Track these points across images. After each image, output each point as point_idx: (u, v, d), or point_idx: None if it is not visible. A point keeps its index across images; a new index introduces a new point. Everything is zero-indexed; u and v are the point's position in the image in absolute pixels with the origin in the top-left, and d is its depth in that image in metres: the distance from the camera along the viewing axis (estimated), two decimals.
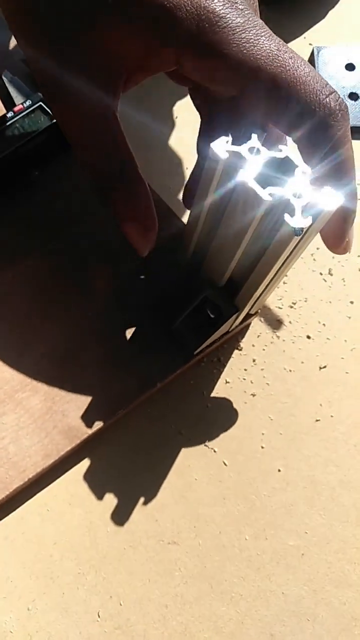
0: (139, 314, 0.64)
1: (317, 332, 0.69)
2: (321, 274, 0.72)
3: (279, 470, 0.62)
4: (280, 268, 0.50)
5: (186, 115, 0.82)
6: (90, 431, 0.58)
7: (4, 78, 0.75)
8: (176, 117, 0.82)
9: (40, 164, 0.70)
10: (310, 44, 0.89)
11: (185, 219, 0.72)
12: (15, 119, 0.70)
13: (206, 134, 0.58)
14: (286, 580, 0.57)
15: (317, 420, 0.64)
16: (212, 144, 0.46)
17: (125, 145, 0.51)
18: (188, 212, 0.74)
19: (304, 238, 0.46)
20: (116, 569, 0.57)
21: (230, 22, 0.44)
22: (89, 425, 0.59)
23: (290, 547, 0.58)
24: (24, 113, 0.71)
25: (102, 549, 0.57)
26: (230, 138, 0.47)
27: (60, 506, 0.58)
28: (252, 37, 0.45)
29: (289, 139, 0.49)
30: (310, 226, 0.44)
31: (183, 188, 0.65)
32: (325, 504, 0.60)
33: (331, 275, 0.72)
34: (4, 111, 0.70)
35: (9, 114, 0.69)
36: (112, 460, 0.61)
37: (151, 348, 0.63)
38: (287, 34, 0.89)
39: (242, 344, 0.67)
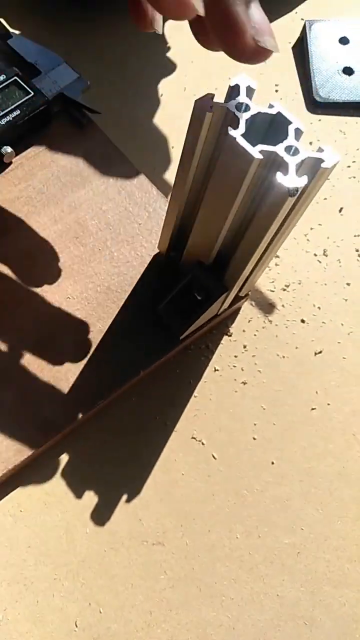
0: (119, 296, 0.59)
1: (312, 315, 0.64)
2: (315, 254, 0.68)
3: (273, 463, 0.57)
4: (273, 237, 0.45)
5: (171, 91, 0.78)
6: (67, 424, 0.54)
7: None
8: (161, 95, 0.78)
9: (16, 142, 0.65)
10: (302, 19, 0.85)
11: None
12: None
13: None
14: (281, 582, 0.53)
15: (312, 409, 0.60)
16: (196, 100, 0.42)
17: None
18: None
19: (300, 200, 0.41)
20: (96, 573, 0.52)
21: None
22: (66, 418, 0.54)
23: (285, 545, 0.54)
24: None
25: (80, 552, 0.52)
26: (215, 94, 0.42)
27: (34, 506, 0.53)
28: None
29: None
30: (306, 186, 0.40)
31: None
32: (322, 498, 0.56)
33: (326, 256, 0.68)
34: None
35: None
36: (91, 455, 0.56)
37: (134, 333, 0.58)
38: (278, 8, 0.85)
39: (231, 330, 0.63)
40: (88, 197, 0.64)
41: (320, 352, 0.62)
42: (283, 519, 0.55)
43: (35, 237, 0.62)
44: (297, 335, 0.63)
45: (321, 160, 0.40)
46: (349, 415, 0.59)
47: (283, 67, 0.81)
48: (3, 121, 0.64)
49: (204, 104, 0.42)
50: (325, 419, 0.59)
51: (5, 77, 0.67)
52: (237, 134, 0.41)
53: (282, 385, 0.61)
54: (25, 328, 0.57)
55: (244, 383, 0.60)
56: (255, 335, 0.63)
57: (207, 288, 0.55)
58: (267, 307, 0.64)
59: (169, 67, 0.80)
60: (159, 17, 0.40)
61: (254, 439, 0.58)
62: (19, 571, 0.51)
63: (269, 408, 0.59)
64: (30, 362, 0.56)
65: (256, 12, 0.33)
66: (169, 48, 0.82)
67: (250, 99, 0.43)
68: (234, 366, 0.61)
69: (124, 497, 0.54)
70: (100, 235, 0.62)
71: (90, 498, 0.54)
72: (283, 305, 0.65)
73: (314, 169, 0.41)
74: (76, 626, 0.50)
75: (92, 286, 0.60)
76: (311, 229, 0.69)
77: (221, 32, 0.33)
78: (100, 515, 0.54)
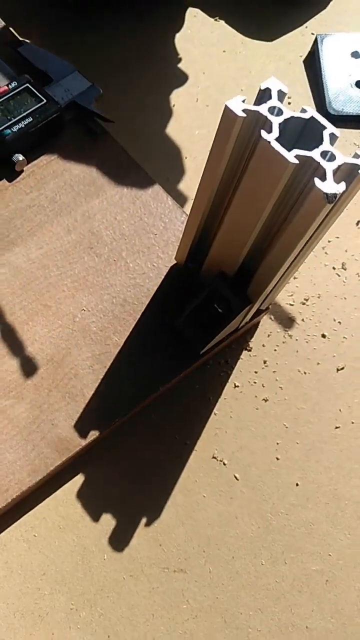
0: (136, 308, 0.57)
1: (333, 330, 0.62)
2: (334, 268, 0.66)
3: (297, 485, 0.54)
4: (305, 245, 0.43)
5: (184, 102, 0.76)
6: (83, 442, 0.51)
7: None
8: (173, 105, 0.76)
9: (28, 150, 0.63)
10: (312, 33, 0.84)
11: (187, 208, 0.66)
12: (0, 100, 0.64)
13: None
14: (310, 612, 0.50)
15: (336, 428, 0.57)
16: (227, 102, 0.40)
17: None
18: (191, 200, 0.68)
19: (335, 207, 0.40)
20: (115, 602, 0.49)
21: None
22: (82, 435, 0.51)
23: (313, 572, 0.51)
24: (9, 95, 0.64)
25: (98, 580, 0.49)
26: (245, 97, 0.41)
27: (49, 531, 0.50)
28: None
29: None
30: (344, 192, 0.38)
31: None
32: (350, 521, 0.53)
33: (345, 269, 0.66)
34: None
35: None
36: (108, 476, 0.53)
37: (152, 347, 0.56)
38: (289, 23, 0.84)
39: (251, 344, 0.60)
40: (102, 206, 0.62)
41: (342, 368, 0.60)
42: (310, 544, 0.52)
43: (48, 247, 0.59)
44: (318, 351, 0.61)
45: (358, 167, 0.39)
46: None
47: (295, 80, 0.80)
48: (15, 128, 0.62)
49: (235, 107, 0.40)
50: (350, 438, 0.57)
51: (17, 84, 0.65)
52: (271, 137, 0.39)
53: (305, 402, 0.58)
54: (38, 341, 0.55)
55: (266, 400, 0.58)
56: (275, 350, 0.61)
57: (229, 300, 0.53)
58: (286, 321, 0.62)
59: (181, 78, 0.79)
60: None
61: (277, 459, 0.55)
62: (33, 601, 0.48)
63: (292, 426, 0.57)
64: (44, 377, 0.53)
65: None
66: (180, 59, 0.81)
67: (282, 102, 0.41)
68: (255, 382, 0.59)
69: (143, 520, 0.52)
70: (115, 246, 0.60)
71: (108, 521, 0.51)
72: (303, 320, 0.63)
73: (351, 176, 0.39)
74: None
75: (108, 298, 0.57)
76: (329, 241, 0.68)
77: None
78: (119, 540, 0.51)
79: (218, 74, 0.80)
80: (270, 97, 0.41)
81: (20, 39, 0.73)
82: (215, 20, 0.83)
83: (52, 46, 0.73)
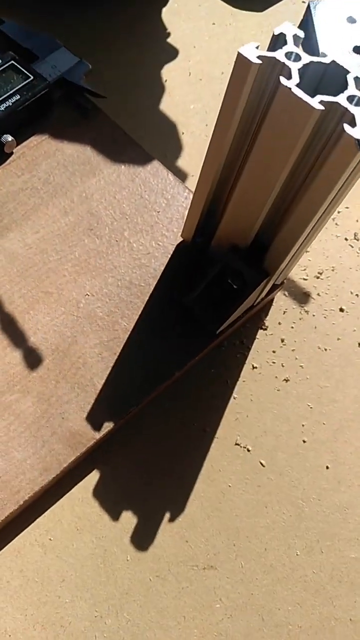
0: (143, 290, 0.53)
1: (351, 303, 0.59)
2: (346, 239, 0.63)
3: (327, 467, 0.51)
4: (331, 202, 0.40)
5: (176, 77, 0.73)
6: (97, 435, 0.47)
7: None
8: (165, 81, 0.73)
9: (17, 130, 0.59)
10: (303, 1, 0.81)
11: (188, 184, 0.62)
12: None
13: None
14: (353, 604, 0.46)
15: None
16: (240, 49, 0.36)
17: None
18: (192, 177, 0.65)
19: None
20: (142, 607, 0.45)
21: None
22: (96, 428, 0.47)
23: (352, 560, 0.48)
24: None
25: (122, 583, 0.45)
26: (259, 44, 0.37)
27: (65, 533, 0.46)
28: None
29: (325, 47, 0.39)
30: None
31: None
32: None
33: (358, 240, 0.63)
34: None
35: None
36: (125, 471, 0.49)
37: (163, 330, 0.52)
38: None
39: (266, 323, 0.57)
40: (99, 186, 0.58)
41: None
42: (346, 530, 0.49)
43: (45, 230, 0.55)
44: (338, 326, 0.58)
45: None
46: None
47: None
48: (2, 107, 0.58)
49: (249, 54, 0.36)
50: None
51: (0, 61, 0.61)
52: (291, 84, 0.35)
53: (328, 380, 0.55)
54: (41, 331, 0.51)
55: (286, 380, 0.54)
56: (292, 327, 0.57)
57: (244, 274, 0.49)
58: (301, 296, 0.59)
59: (171, 53, 0.75)
60: None
61: (304, 441, 0.52)
62: (54, 610, 0.44)
63: (316, 406, 0.54)
64: (50, 368, 0.49)
65: None
66: (169, 34, 0.77)
67: (298, 47, 0.38)
68: (273, 362, 0.55)
69: (166, 516, 0.48)
70: (116, 226, 0.56)
71: (128, 519, 0.47)
72: (318, 294, 0.59)
73: None
74: None
75: (112, 281, 0.54)
76: (338, 212, 0.64)
77: None
78: (141, 539, 0.47)
79: (209, 47, 0.76)
80: (285, 43, 0.38)
81: (2, 18, 0.69)
82: None
83: (36, 25, 0.69)
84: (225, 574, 0.46)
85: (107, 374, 0.49)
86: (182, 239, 0.56)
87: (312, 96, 0.36)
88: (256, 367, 0.55)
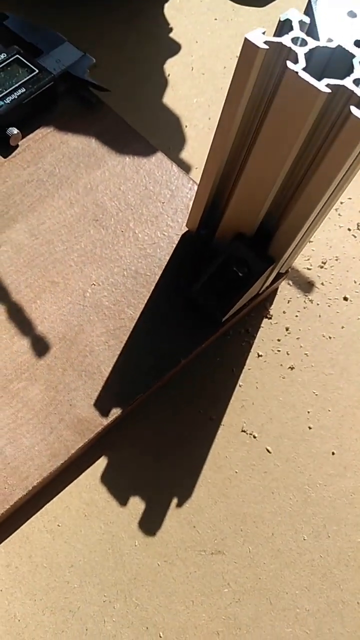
0: (149, 279, 0.54)
1: (355, 292, 0.59)
2: (349, 229, 0.63)
3: (333, 454, 0.51)
4: (338, 185, 0.40)
5: (179, 71, 0.73)
6: (105, 422, 0.47)
7: None
8: (168, 75, 0.73)
9: (22, 123, 0.60)
10: None
11: (192, 176, 0.62)
12: None
13: None
14: None
15: None
16: (247, 35, 0.37)
17: None
18: (195, 169, 0.65)
19: None
20: (150, 591, 0.45)
21: None
22: (104, 414, 0.48)
23: (358, 544, 0.48)
24: None
25: (130, 568, 0.46)
26: (265, 29, 0.37)
27: (74, 519, 0.47)
28: None
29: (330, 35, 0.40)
30: None
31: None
32: None
33: None
34: None
35: None
36: (132, 458, 0.49)
37: (169, 319, 0.52)
38: None
39: (271, 312, 0.57)
40: (104, 177, 0.59)
41: None
42: (352, 514, 0.49)
43: (51, 221, 0.56)
44: (342, 314, 0.58)
45: None
46: None
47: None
48: (7, 100, 0.58)
49: (256, 39, 0.37)
50: None
51: (5, 55, 0.61)
52: (298, 67, 0.36)
53: (332, 368, 0.55)
54: (48, 320, 0.51)
55: (292, 368, 0.55)
56: (297, 316, 0.58)
57: (250, 262, 0.50)
58: (305, 285, 0.59)
59: (173, 48, 0.76)
60: None
61: (310, 428, 0.52)
62: (63, 595, 0.44)
63: (322, 393, 0.54)
64: (57, 356, 0.49)
65: None
66: (171, 29, 0.78)
67: (304, 33, 0.38)
68: (279, 350, 0.56)
69: (174, 502, 0.48)
70: (121, 217, 0.57)
71: (136, 505, 0.48)
72: (322, 284, 0.60)
73: None
74: None
75: (118, 270, 0.54)
76: (341, 203, 0.65)
77: None
78: (149, 524, 0.47)
79: (211, 42, 0.77)
80: (291, 28, 0.38)
81: (7, 13, 0.69)
82: None
83: (40, 20, 0.70)
84: (233, 559, 0.47)
85: (114, 361, 0.50)
86: (187, 229, 0.57)
87: (319, 80, 0.36)
88: (261, 355, 0.55)
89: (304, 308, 0.58)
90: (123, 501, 0.48)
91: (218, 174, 0.47)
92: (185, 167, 0.65)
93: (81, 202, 0.57)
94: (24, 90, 0.59)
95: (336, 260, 0.61)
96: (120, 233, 0.56)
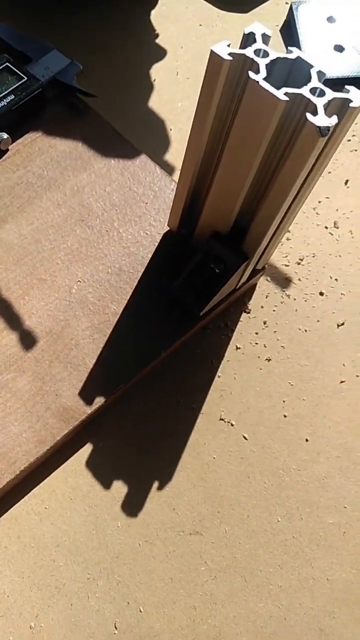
0: (132, 277, 0.56)
1: (330, 287, 0.62)
2: (326, 227, 0.66)
3: (307, 440, 0.54)
4: (301, 188, 0.43)
5: (164, 76, 0.76)
6: (89, 410, 0.50)
7: None
8: (154, 80, 0.76)
9: (12, 129, 0.63)
10: (286, 2, 0.84)
11: (176, 177, 0.65)
12: None
13: None
14: (330, 565, 0.49)
15: (341, 382, 0.57)
16: (213, 47, 0.40)
17: None
18: (179, 171, 0.68)
19: (330, 143, 0.39)
20: (132, 569, 0.48)
21: None
22: (88, 403, 0.50)
23: (329, 525, 0.51)
24: None
25: (113, 548, 0.48)
26: (230, 42, 0.40)
27: (60, 502, 0.50)
28: None
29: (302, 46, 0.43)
30: (336, 126, 0.38)
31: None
32: None
33: (337, 228, 0.66)
34: None
35: None
36: (116, 444, 0.52)
37: (150, 314, 0.55)
38: None
39: (250, 306, 0.60)
40: (90, 179, 0.62)
41: (342, 323, 0.60)
42: (324, 497, 0.52)
43: (39, 222, 0.59)
44: (317, 308, 0.61)
45: (349, 100, 0.39)
46: None
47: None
48: None
49: (221, 51, 0.39)
50: (356, 391, 0.57)
51: None
52: (259, 77, 0.39)
53: (308, 359, 0.58)
54: (36, 315, 0.54)
55: (268, 360, 0.58)
56: (274, 310, 0.60)
57: (225, 259, 0.52)
58: (283, 281, 0.62)
59: (160, 53, 0.79)
60: None
61: (285, 416, 0.55)
62: (49, 573, 0.47)
63: (297, 384, 0.57)
64: (44, 349, 0.52)
65: None
66: (157, 35, 0.80)
67: (267, 45, 0.41)
68: (256, 343, 0.58)
69: (155, 485, 0.51)
70: (106, 217, 0.60)
71: (119, 489, 0.50)
72: (299, 279, 0.62)
73: (342, 110, 0.39)
74: (116, 628, 0.46)
75: (103, 268, 0.57)
76: (319, 202, 0.68)
77: None
78: (131, 507, 0.50)
79: (196, 47, 0.79)
80: (255, 41, 0.41)
81: None
82: None
83: (29, 27, 0.73)
84: (210, 539, 0.49)
85: (98, 354, 0.53)
86: (168, 228, 0.59)
87: (279, 89, 0.39)
88: (240, 348, 0.58)
89: (282, 303, 0.61)
90: (106, 485, 0.50)
91: (194, 175, 0.50)
92: (170, 169, 0.68)
93: (68, 203, 0.60)
94: (14, 97, 0.62)
95: (313, 257, 0.64)
96: (105, 232, 0.59)
